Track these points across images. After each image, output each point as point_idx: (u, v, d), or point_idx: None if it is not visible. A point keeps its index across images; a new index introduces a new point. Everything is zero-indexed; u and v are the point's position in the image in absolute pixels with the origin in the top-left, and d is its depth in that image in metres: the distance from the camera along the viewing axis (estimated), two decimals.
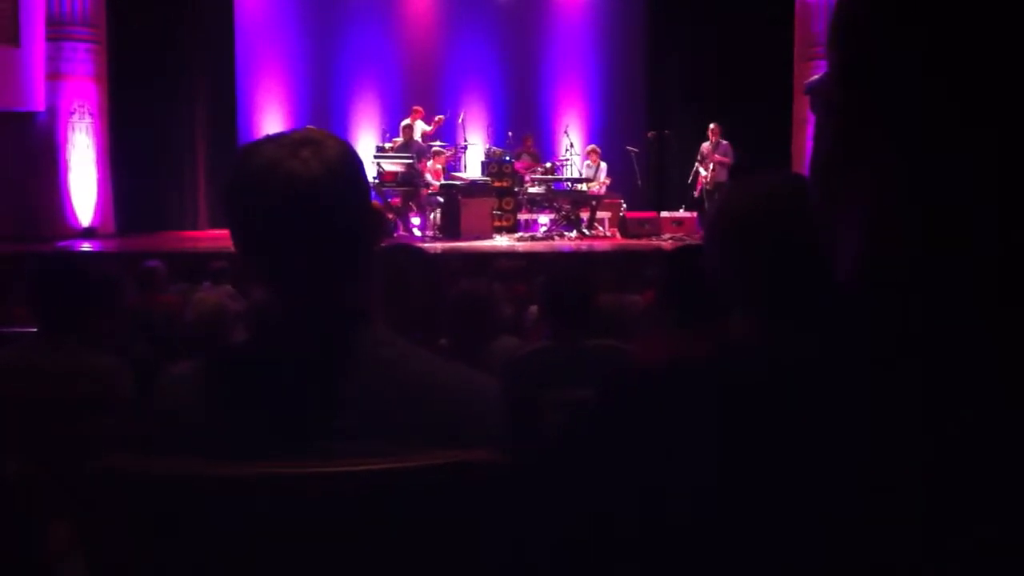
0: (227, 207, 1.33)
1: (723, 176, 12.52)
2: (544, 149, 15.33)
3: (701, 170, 12.90)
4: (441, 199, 12.33)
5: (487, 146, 14.49)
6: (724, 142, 12.94)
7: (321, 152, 1.30)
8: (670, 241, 11.86)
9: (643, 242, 12.08)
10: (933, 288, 0.55)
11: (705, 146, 13.04)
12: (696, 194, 13.02)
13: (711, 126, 12.98)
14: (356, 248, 1.35)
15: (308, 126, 1.42)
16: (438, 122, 13.58)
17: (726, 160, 12.74)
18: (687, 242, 10.32)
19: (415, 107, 13.43)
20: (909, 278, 0.56)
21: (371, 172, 12.11)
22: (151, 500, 1.23)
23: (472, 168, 14.15)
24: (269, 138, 1.35)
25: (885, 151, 0.58)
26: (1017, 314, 0.53)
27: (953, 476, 0.49)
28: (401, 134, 12.80)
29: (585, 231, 12.77)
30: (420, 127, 13.03)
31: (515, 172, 13.21)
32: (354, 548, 1.23)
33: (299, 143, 1.30)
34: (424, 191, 12.41)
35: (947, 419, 0.50)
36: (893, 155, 0.58)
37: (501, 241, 12.14)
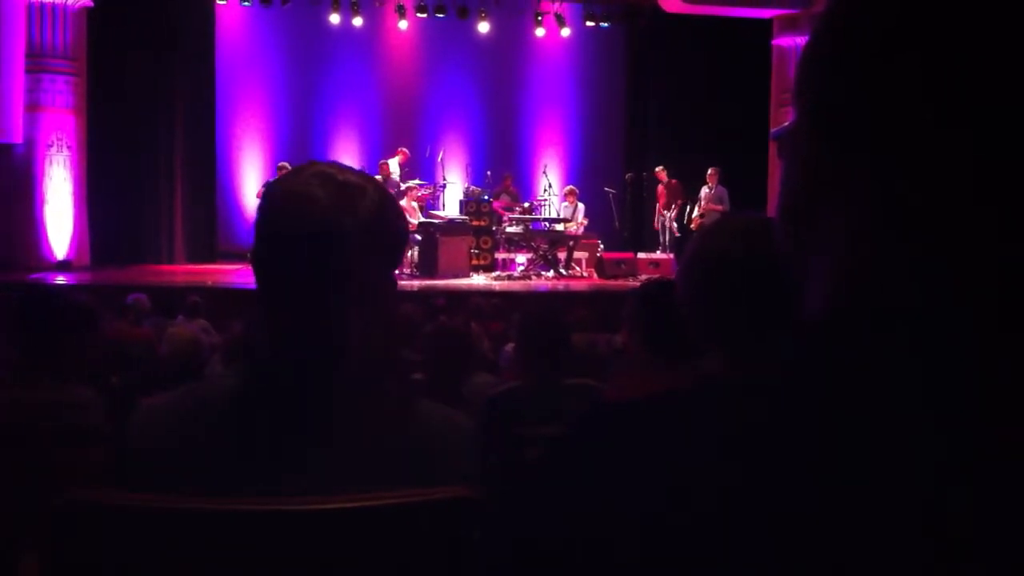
0: (256, 231, 1.33)
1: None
2: (523, 189, 15.39)
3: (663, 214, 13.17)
4: (419, 237, 12.32)
5: (466, 185, 14.54)
6: (721, 188, 13.01)
7: (357, 200, 1.28)
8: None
9: (620, 283, 12.11)
10: (922, 319, 0.55)
11: (704, 191, 13.13)
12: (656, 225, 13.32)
13: (709, 171, 13.05)
14: (358, 291, 1.32)
15: (355, 167, 1.37)
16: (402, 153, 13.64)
17: (718, 208, 12.76)
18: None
19: (401, 148, 13.55)
20: (894, 311, 0.56)
21: None
22: (123, 534, 1.23)
23: (451, 207, 14.17)
24: (309, 173, 1.31)
25: (863, 188, 0.58)
26: (1009, 343, 0.53)
27: (929, 508, 0.49)
28: (379, 171, 12.85)
29: (562, 271, 12.82)
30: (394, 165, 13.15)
31: (493, 211, 13.26)
32: None
33: (341, 185, 1.28)
34: None
35: (926, 454, 0.50)
36: (872, 190, 0.58)
37: (478, 280, 12.15)
